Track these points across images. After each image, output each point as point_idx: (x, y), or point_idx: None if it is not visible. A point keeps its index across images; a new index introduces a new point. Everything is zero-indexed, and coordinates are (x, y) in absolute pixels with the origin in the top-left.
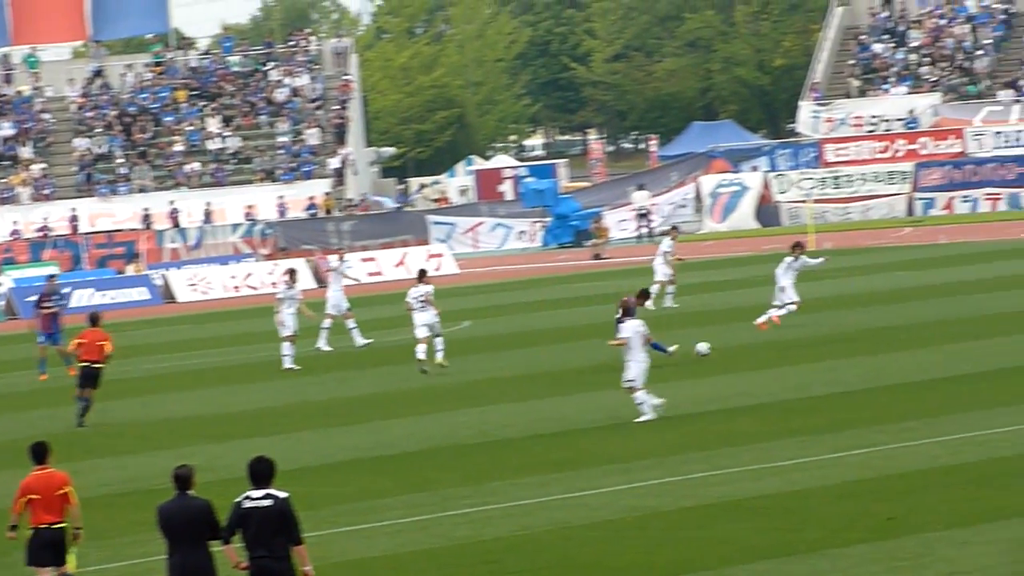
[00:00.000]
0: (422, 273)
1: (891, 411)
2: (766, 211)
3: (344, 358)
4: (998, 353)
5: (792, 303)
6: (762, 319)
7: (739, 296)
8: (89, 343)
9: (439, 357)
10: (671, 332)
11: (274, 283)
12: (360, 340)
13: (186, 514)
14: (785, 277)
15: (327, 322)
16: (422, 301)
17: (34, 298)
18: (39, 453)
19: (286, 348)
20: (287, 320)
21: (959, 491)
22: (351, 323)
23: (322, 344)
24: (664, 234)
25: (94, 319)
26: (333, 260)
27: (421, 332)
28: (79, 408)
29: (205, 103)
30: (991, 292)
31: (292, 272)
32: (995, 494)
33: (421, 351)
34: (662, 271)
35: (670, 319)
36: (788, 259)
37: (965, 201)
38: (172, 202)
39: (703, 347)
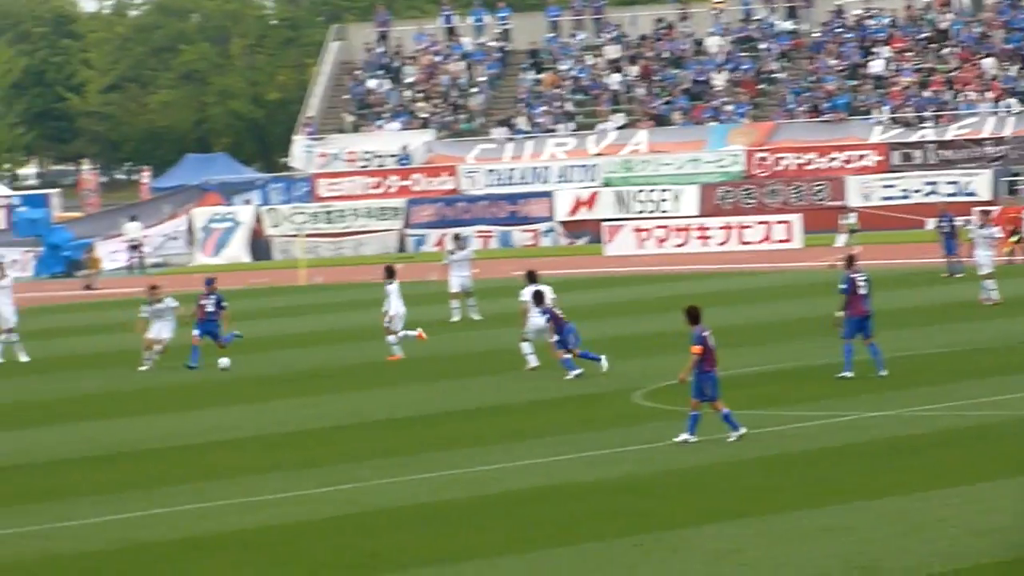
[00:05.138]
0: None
1: (375, 447)
2: (258, 245)
3: None
4: (484, 391)
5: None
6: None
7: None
8: None
9: None
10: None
11: None
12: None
13: None
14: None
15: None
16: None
17: None
18: None
19: None
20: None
21: (440, 528)
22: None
23: None
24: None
25: None
26: None
27: None
28: None
29: None
30: (480, 330)
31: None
32: (475, 532)
33: None
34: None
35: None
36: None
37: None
38: None
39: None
